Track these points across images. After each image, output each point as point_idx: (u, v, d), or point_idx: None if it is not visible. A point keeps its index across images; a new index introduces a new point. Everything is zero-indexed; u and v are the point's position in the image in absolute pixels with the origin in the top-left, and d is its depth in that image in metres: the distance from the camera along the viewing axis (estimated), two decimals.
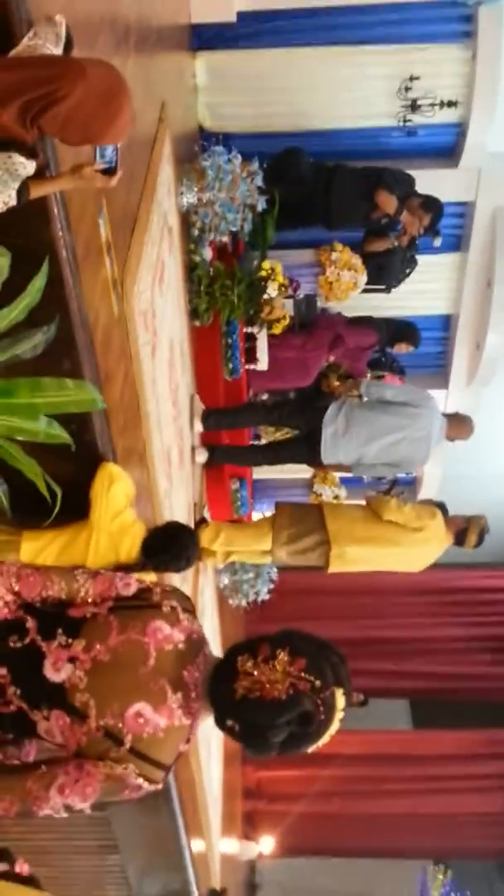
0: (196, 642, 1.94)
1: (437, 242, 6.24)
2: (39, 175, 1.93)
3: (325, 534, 4.82)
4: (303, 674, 1.80)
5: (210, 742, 5.85)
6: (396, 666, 9.29)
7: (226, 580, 6.61)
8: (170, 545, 2.59)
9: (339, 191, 5.94)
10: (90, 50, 2.68)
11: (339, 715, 1.86)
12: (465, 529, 4.84)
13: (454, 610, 9.43)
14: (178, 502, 4.50)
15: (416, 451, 4.99)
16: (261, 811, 8.46)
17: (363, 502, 5.15)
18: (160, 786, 1.88)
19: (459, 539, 4.87)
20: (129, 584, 1.99)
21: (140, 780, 1.82)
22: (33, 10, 2.05)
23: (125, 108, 1.89)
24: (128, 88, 1.91)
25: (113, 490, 2.69)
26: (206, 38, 6.00)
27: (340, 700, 1.85)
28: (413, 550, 4.83)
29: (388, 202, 5.84)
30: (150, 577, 2.67)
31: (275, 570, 6.44)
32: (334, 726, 1.87)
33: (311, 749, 1.88)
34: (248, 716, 1.81)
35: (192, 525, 5.04)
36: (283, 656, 1.82)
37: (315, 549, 4.86)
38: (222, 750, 6.66)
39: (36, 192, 1.94)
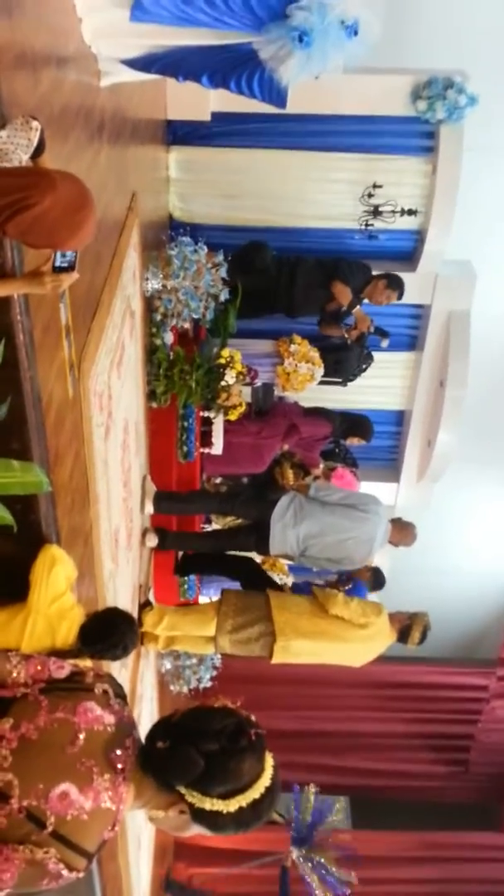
0: (126, 726, 1.93)
1: (385, 343, 6.44)
2: None
3: (271, 625, 4.80)
4: (241, 709, 1.89)
5: (140, 837, 5.64)
6: (337, 761, 9.12)
7: (168, 665, 6.49)
8: (107, 633, 2.54)
9: (301, 282, 6.13)
10: (63, 143, 2.77)
11: (268, 767, 1.85)
12: (408, 626, 4.86)
13: (396, 705, 9.34)
14: (122, 584, 4.44)
15: (358, 551, 5.08)
16: None
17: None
18: (81, 874, 1.81)
19: (403, 636, 4.90)
20: (63, 668, 1.99)
21: (61, 867, 1.75)
22: (7, 102, 2.13)
23: (89, 220, 1.98)
24: (93, 203, 2.00)
25: (54, 573, 2.65)
26: (180, 133, 6.23)
27: (269, 762, 1.85)
28: (357, 646, 4.83)
29: (342, 293, 6.05)
30: (85, 664, 2.62)
31: (218, 656, 6.35)
32: (263, 777, 1.83)
33: (235, 800, 1.81)
34: (181, 724, 1.84)
35: (136, 607, 4.98)
36: (222, 699, 1.91)
37: (259, 639, 4.84)
38: (153, 845, 6.43)
39: None
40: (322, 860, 6.21)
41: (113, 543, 4.09)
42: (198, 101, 5.86)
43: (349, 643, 4.83)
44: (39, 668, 1.96)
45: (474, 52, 6.28)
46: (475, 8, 6.33)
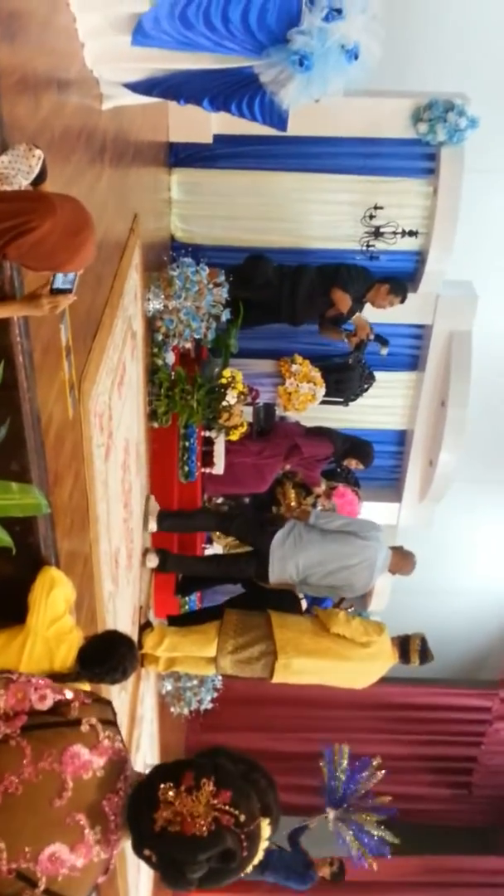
0: (117, 764, 1.85)
1: (384, 352, 6.44)
2: None
3: (272, 644, 4.78)
4: (227, 807, 1.71)
5: (140, 861, 5.57)
6: None
7: (168, 686, 6.45)
8: (106, 656, 2.51)
9: (303, 291, 6.17)
10: (64, 165, 2.79)
11: (263, 845, 1.79)
12: (406, 646, 4.86)
13: (398, 727, 9.25)
14: (122, 605, 4.42)
15: (358, 579, 5.05)
16: None
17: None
18: None
19: (404, 655, 4.89)
20: (45, 698, 1.89)
21: None
22: (9, 126, 2.14)
23: (88, 243, 1.98)
24: (92, 225, 2.01)
25: (52, 595, 2.63)
26: (182, 155, 6.27)
27: (266, 830, 1.78)
28: (359, 665, 4.81)
29: (342, 301, 6.08)
30: (84, 687, 2.59)
31: (219, 677, 6.31)
32: (258, 857, 1.79)
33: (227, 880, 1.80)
34: (166, 849, 1.72)
35: (136, 628, 4.96)
36: (207, 787, 1.73)
37: (260, 658, 4.81)
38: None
39: None
40: (361, 822, 6.07)
41: (113, 564, 4.07)
42: (199, 123, 5.89)
43: (351, 662, 4.81)
44: (20, 697, 1.87)
45: (475, 75, 6.34)
46: (476, 31, 6.39)
